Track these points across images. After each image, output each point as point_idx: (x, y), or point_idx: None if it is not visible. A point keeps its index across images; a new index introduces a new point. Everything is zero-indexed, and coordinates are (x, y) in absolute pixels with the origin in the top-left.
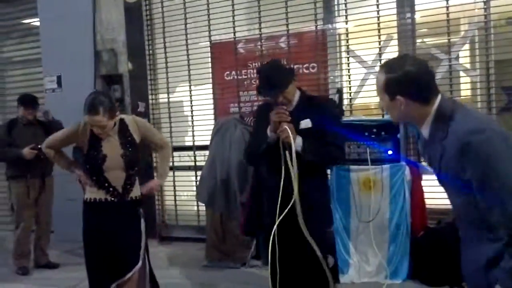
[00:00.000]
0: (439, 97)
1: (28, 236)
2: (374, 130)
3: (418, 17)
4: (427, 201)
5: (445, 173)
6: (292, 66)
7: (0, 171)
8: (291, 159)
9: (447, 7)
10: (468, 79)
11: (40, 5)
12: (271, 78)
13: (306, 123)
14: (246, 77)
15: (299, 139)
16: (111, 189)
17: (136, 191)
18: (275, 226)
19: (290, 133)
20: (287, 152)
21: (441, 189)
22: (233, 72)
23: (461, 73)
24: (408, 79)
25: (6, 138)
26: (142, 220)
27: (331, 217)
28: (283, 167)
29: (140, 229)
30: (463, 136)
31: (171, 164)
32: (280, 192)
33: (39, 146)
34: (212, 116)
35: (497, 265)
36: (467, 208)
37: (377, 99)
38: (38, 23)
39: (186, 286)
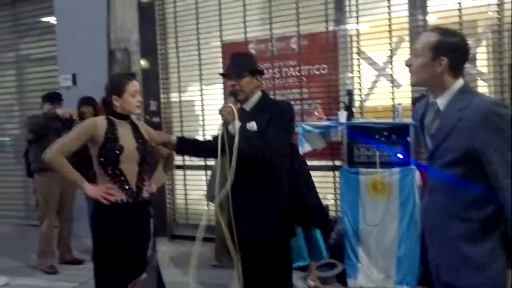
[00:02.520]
0: (462, 79)
1: (52, 233)
2: (385, 133)
3: (430, 19)
4: None
5: (452, 142)
6: (259, 66)
7: (19, 167)
8: (228, 140)
9: (460, 10)
10: (481, 83)
11: (56, 3)
12: (233, 60)
13: (251, 126)
14: None
15: (238, 123)
16: (126, 186)
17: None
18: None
19: (233, 112)
20: (225, 134)
21: None
22: None
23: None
24: (460, 47)
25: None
26: (152, 221)
27: (273, 229)
28: (219, 148)
29: (150, 230)
30: (489, 106)
31: (182, 163)
32: (217, 179)
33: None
34: None
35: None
36: (457, 182)
37: (388, 102)
38: (55, 22)
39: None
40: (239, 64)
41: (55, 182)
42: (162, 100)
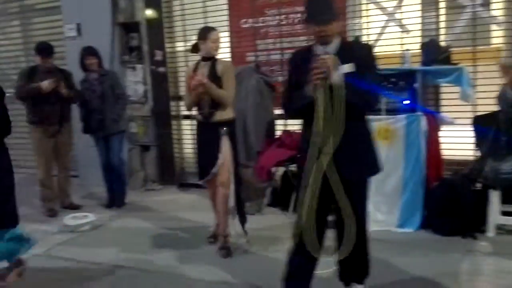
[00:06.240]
0: None
1: (50, 179)
2: (392, 79)
3: None
4: (444, 152)
5: None
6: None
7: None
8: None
9: None
10: (494, 28)
11: None
12: (324, 4)
13: (349, 67)
14: (263, 25)
15: (342, 70)
16: (201, 111)
17: (220, 116)
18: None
19: (336, 62)
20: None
21: (459, 140)
22: (250, 20)
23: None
24: None
25: (26, 83)
26: (224, 137)
27: (376, 163)
28: (322, 105)
29: (218, 145)
30: None
31: (188, 113)
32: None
33: (61, 88)
34: None
35: None
36: None
37: (396, 48)
38: None
39: (203, 230)
40: (326, 7)
41: (47, 134)
42: (167, 50)
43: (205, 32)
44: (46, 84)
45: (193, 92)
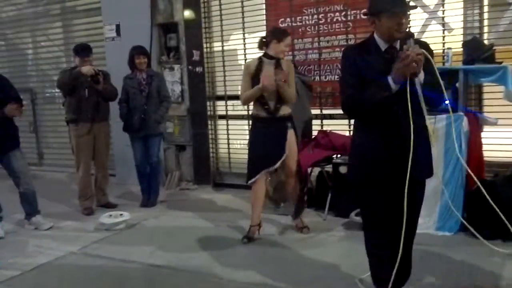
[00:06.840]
0: None
1: (89, 178)
2: None
3: None
4: (485, 154)
5: None
6: None
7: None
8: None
9: None
10: None
11: None
12: None
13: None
14: (300, 24)
15: (422, 74)
16: (266, 106)
17: (285, 110)
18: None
19: (422, 60)
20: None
21: (502, 141)
22: (288, 19)
23: None
24: None
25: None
26: (290, 131)
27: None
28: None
29: (285, 137)
30: None
31: (224, 113)
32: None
33: (100, 72)
34: None
35: None
36: None
37: (438, 46)
38: None
39: (237, 230)
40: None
41: (86, 132)
42: (204, 50)
43: (282, 35)
44: (87, 68)
45: (263, 89)
